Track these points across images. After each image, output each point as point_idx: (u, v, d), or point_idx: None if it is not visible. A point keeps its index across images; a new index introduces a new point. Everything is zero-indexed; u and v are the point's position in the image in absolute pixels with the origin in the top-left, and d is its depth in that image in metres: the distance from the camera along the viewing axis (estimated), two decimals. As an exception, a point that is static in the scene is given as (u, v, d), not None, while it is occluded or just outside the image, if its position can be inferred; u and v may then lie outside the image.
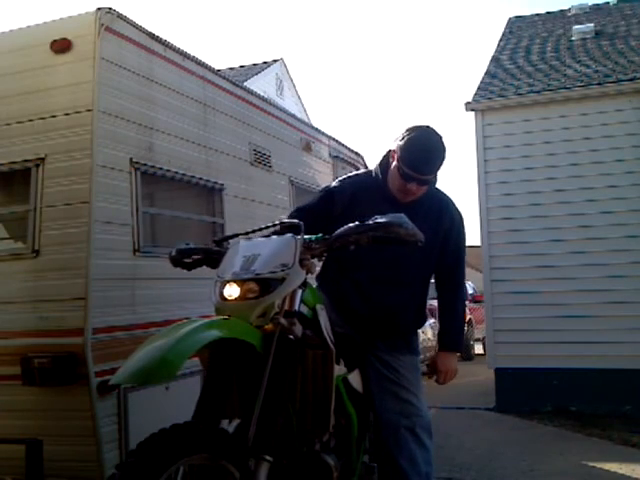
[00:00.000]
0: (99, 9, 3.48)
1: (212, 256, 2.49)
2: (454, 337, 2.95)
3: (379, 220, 2.15)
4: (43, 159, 3.49)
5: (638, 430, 6.05)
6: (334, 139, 6.83)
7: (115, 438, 3.33)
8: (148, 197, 3.86)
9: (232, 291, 2.12)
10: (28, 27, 3.70)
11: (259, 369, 2.02)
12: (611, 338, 7.02)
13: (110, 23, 3.53)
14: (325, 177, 6.40)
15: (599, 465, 4.93)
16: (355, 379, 2.65)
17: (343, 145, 7.05)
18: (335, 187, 2.91)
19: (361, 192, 2.82)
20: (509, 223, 7.61)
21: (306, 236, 2.26)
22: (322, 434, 2.27)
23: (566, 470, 4.78)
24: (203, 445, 1.85)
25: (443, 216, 2.82)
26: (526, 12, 13.71)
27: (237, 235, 2.55)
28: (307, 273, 2.21)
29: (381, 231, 2.14)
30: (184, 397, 3.80)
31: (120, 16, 3.62)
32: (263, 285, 2.10)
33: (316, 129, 6.52)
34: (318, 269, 2.92)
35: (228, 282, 2.15)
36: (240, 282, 2.12)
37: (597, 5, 11.22)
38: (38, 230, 3.42)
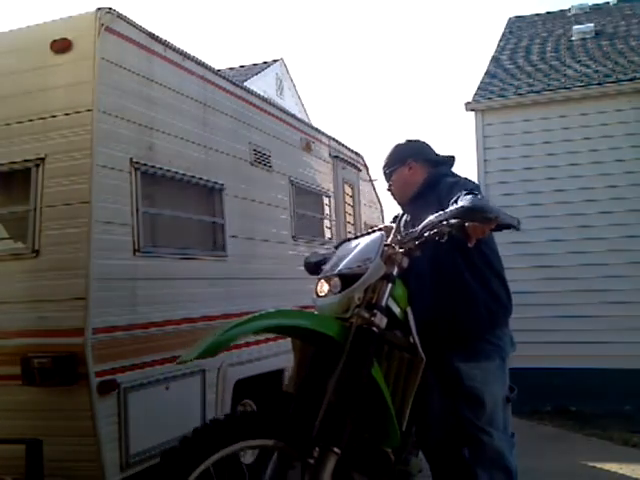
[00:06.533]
0: (99, 9, 3.48)
1: None
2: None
3: (456, 207, 2.18)
4: (43, 159, 3.48)
5: (638, 430, 6.05)
6: (334, 139, 6.82)
7: (115, 438, 3.33)
8: (148, 197, 3.85)
9: (322, 287, 2.40)
10: (28, 27, 3.69)
11: (336, 357, 2.15)
12: (611, 338, 7.03)
13: (110, 23, 3.53)
14: (325, 177, 6.40)
15: (599, 465, 4.93)
16: None
17: (343, 145, 7.04)
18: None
19: None
20: (509, 223, 7.60)
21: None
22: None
23: (566, 470, 4.78)
24: (270, 430, 2.04)
25: (440, 190, 2.66)
26: (526, 12, 13.68)
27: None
28: (394, 266, 2.30)
29: (461, 215, 2.13)
30: (184, 397, 3.81)
31: (120, 16, 3.62)
32: (345, 280, 2.30)
33: (316, 129, 6.51)
34: None
35: (320, 280, 2.43)
36: (327, 279, 2.39)
37: (597, 5, 11.23)
38: (38, 230, 3.42)
